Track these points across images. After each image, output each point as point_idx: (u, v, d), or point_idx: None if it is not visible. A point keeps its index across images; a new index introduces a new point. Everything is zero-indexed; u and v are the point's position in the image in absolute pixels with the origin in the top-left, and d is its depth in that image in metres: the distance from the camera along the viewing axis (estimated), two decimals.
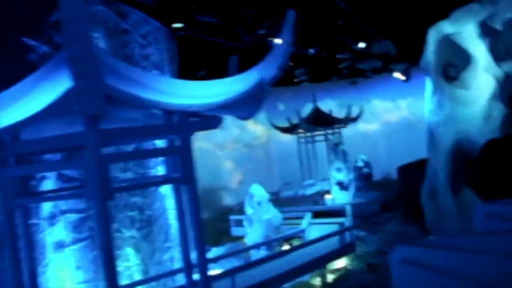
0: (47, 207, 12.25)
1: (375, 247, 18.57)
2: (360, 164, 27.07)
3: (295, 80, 34.70)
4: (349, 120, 30.36)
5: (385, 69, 31.27)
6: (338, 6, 22.16)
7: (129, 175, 14.43)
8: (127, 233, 14.32)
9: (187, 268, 8.57)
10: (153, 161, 14.48)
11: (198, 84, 7.94)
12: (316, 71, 33.38)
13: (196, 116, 8.06)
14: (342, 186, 25.28)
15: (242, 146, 33.12)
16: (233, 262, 15.78)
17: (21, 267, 7.65)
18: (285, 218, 18.42)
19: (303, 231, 17.00)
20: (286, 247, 17.20)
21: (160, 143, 10.00)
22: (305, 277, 15.74)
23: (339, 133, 30.30)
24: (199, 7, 19.47)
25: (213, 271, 14.75)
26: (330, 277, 16.07)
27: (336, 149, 25.96)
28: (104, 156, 6.92)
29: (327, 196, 26.21)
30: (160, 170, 13.64)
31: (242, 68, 8.40)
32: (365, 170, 27.23)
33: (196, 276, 8.30)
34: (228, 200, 28.85)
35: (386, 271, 15.98)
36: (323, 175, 27.95)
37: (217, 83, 7.88)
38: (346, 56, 29.92)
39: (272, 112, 32.66)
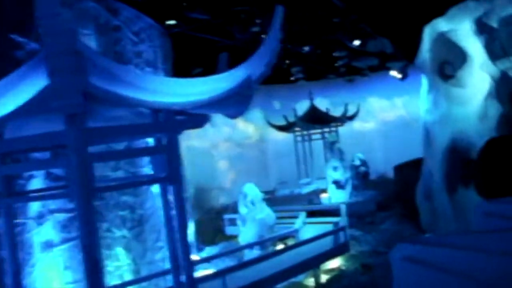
0: (35, 207, 12.06)
1: (370, 247, 18.41)
2: (357, 162, 26.87)
3: (292, 78, 34.54)
4: (345, 118, 30.20)
5: (382, 67, 31.10)
6: (333, 3, 21.99)
7: (120, 173, 14.25)
8: (118, 233, 14.14)
9: (174, 269, 8.39)
10: (145, 159, 14.29)
11: (184, 81, 7.76)
12: (312, 69, 33.22)
13: (184, 115, 7.89)
14: (339, 185, 25.10)
15: (236, 145, 32.96)
16: (227, 262, 15.63)
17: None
18: (279, 218, 18.26)
19: (296, 231, 16.82)
20: (280, 246, 17.03)
21: (152, 141, 9.84)
22: (299, 278, 15.57)
23: (336, 131, 30.14)
24: (191, 4, 19.28)
25: (207, 270, 14.62)
26: (324, 278, 15.90)
27: (333, 148, 25.77)
28: (87, 155, 6.75)
29: (323, 195, 26.06)
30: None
31: (236, 65, 8.24)
32: (362, 168, 27.04)
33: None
34: (224, 198, 28.68)
35: (380, 271, 15.94)
36: (320, 174, 27.76)
37: (204, 81, 7.71)
38: (342, 54, 29.74)
39: (268, 110, 32.56)
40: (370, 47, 26.61)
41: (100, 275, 6.70)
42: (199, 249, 19.35)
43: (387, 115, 35.95)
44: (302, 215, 17.61)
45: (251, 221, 16.29)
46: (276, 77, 32.07)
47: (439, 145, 16.80)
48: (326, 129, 30.04)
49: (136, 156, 12.64)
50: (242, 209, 16.70)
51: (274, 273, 13.69)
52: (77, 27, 7.18)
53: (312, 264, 15.24)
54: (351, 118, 30.74)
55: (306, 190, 26.92)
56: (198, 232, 20.31)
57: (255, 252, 15.72)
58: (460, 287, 5.19)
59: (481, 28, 15.14)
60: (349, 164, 25.92)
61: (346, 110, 30.09)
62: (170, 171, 7.55)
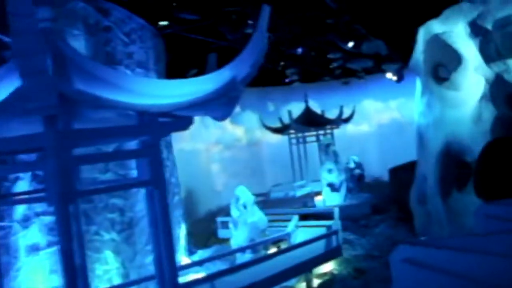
0: (20, 209, 11.86)
1: (363, 250, 18.23)
2: (352, 165, 26.74)
3: (286, 80, 34.39)
4: (341, 121, 30.06)
5: (378, 70, 30.96)
6: (326, 4, 21.82)
7: (109, 176, 14.08)
8: (107, 236, 13.94)
9: (160, 275, 8.20)
10: (134, 161, 14.10)
11: (168, 83, 7.61)
12: (307, 71, 33.07)
13: (168, 117, 7.71)
14: (333, 187, 24.98)
15: (230, 147, 32.86)
16: (219, 265, 15.45)
17: None
18: (272, 221, 18.08)
19: (288, 234, 16.62)
20: (273, 250, 16.84)
21: None
22: (291, 282, 15.37)
23: (331, 133, 30.01)
24: (180, 4, 19.09)
25: (198, 274, 14.43)
26: (316, 282, 15.70)
27: (327, 150, 25.62)
28: (66, 158, 6.57)
29: (317, 198, 25.92)
30: None
31: None
32: (357, 171, 26.90)
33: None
34: (217, 201, 28.51)
35: (373, 275, 15.77)
36: (315, 176, 27.63)
37: (188, 82, 7.54)
38: (336, 56, 29.59)
39: (263, 112, 32.44)
40: (365, 49, 26.44)
41: (77, 282, 6.52)
42: (192, 252, 19.19)
43: (382, 118, 35.83)
44: (295, 219, 17.39)
45: (243, 225, 16.10)
46: (271, 79, 31.99)
47: (433, 148, 16.64)
48: (321, 132, 29.93)
49: (119, 159, 12.43)
50: (234, 212, 16.51)
51: (266, 277, 13.49)
52: (56, 27, 6.99)
53: (304, 268, 15.04)
54: (346, 120, 30.60)
55: (300, 192, 26.73)
56: (190, 235, 20.15)
57: (247, 256, 15.54)
58: None
59: (476, 30, 14.95)
60: (344, 167, 25.79)
61: (341, 113, 29.97)
62: (152, 175, 7.39)
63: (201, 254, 18.84)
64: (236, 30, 21.60)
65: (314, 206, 24.66)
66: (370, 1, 21.72)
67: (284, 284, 14.60)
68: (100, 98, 6.33)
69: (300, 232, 17.31)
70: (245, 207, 16.26)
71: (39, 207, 12.03)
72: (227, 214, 18.04)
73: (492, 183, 8.28)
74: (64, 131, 6.60)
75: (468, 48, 15.39)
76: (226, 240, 18.82)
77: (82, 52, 13.37)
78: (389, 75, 31.14)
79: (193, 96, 7.13)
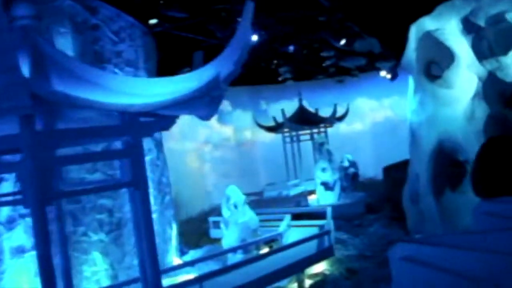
0: (5, 211, 11.66)
1: (356, 250, 18.07)
2: (346, 164, 26.57)
3: (279, 78, 34.21)
4: (334, 119, 29.92)
5: (372, 68, 30.81)
6: (319, 2, 21.63)
7: (97, 176, 13.88)
8: (95, 237, 13.76)
9: (143, 278, 8.00)
10: None
11: (151, 81, 7.44)
12: (300, 69, 32.92)
13: (151, 116, 7.51)
14: (327, 186, 24.85)
15: (223, 146, 32.72)
16: (211, 265, 15.29)
17: None
18: (264, 220, 17.93)
19: (280, 234, 16.45)
20: (265, 250, 16.68)
21: None
22: (282, 282, 15.19)
23: (325, 132, 29.88)
24: (167, 1, 18.87)
25: (190, 275, 14.25)
26: (307, 283, 15.52)
27: (321, 149, 25.49)
28: (44, 159, 6.37)
29: (311, 197, 25.77)
30: None
31: None
32: (351, 170, 26.73)
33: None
34: (210, 200, 28.35)
35: (365, 276, 15.61)
36: (308, 175, 27.50)
37: (171, 81, 7.35)
38: (329, 54, 29.42)
39: (256, 111, 32.31)
40: (358, 47, 26.26)
41: (55, 286, 6.33)
42: (183, 252, 19.02)
43: (376, 116, 35.72)
44: (287, 218, 17.23)
45: (234, 225, 15.93)
46: (264, 77, 31.83)
47: (426, 146, 16.47)
48: (315, 130, 29.80)
49: (101, 159, 12.24)
50: (225, 212, 16.34)
51: (257, 278, 13.31)
52: (40, 24, 6.77)
53: (296, 268, 14.86)
54: (340, 119, 30.48)
55: (294, 191, 26.57)
56: (182, 235, 19.98)
57: (239, 256, 15.37)
58: (459, 286, 5.21)
59: (468, 27, 14.76)
60: (338, 165, 25.63)
61: (335, 111, 29.83)
62: (134, 176, 7.18)
63: (192, 254, 18.68)
64: (225, 28, 21.41)
65: (308, 205, 24.48)
66: None
67: (276, 284, 14.41)
68: (78, 97, 6.12)
69: (293, 231, 17.15)
70: (236, 206, 16.09)
71: (23, 208, 11.80)
72: (219, 214, 17.86)
73: (491, 181, 8.19)
74: (42, 131, 6.40)
75: (460, 45, 15.21)
76: (218, 240, 18.64)
77: (69, 51, 13.25)
78: (383, 73, 31.00)
79: (175, 94, 6.92)
